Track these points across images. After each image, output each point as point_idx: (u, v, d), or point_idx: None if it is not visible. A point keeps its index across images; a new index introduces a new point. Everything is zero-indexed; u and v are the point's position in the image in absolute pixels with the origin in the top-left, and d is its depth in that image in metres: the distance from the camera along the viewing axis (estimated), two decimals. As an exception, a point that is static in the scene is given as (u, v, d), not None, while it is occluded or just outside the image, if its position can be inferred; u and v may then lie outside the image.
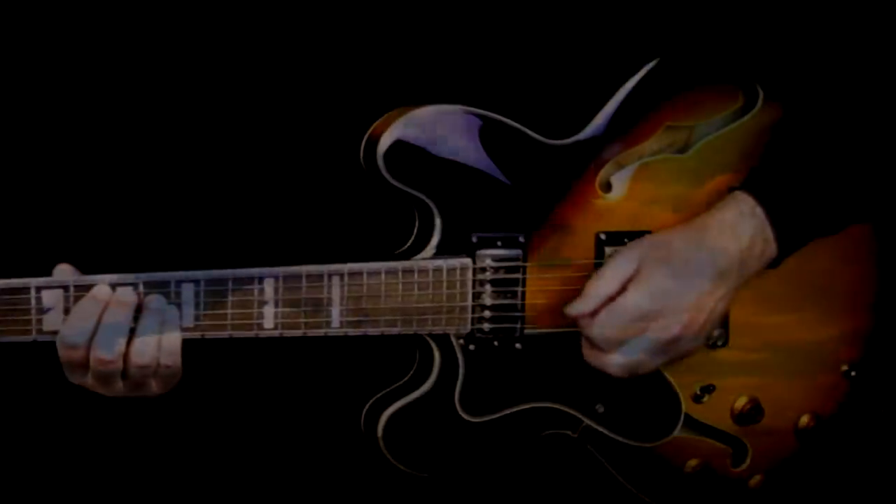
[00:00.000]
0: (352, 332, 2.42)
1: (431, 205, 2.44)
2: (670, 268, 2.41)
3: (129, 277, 2.32)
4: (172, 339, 2.32)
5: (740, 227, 2.43)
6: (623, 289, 2.42)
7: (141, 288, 2.32)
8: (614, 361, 2.44)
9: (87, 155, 2.61)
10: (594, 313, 2.43)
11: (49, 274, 2.31)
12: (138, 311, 2.31)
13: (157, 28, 2.56)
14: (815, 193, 2.46)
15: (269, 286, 2.37)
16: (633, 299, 2.41)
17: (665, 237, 2.46)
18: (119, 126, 2.59)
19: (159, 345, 2.30)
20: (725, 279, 2.43)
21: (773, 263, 2.48)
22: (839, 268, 2.63)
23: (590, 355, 2.48)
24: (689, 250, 2.43)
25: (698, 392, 2.58)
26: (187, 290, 2.34)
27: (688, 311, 2.42)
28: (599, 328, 2.42)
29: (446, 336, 2.48)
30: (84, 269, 2.33)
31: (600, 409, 2.55)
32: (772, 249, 2.46)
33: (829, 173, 2.47)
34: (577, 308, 2.44)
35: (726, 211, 2.45)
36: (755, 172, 2.50)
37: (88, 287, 2.31)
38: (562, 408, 2.53)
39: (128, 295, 2.30)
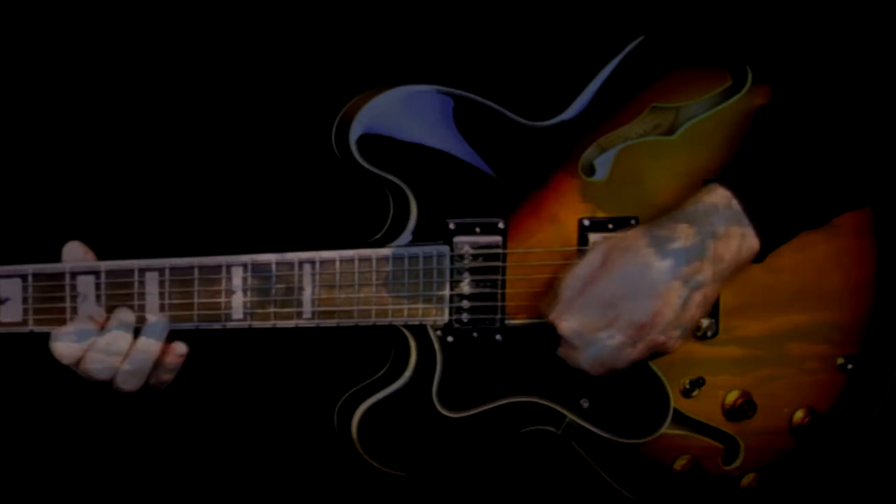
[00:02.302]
0: (324, 323, 2.37)
1: (406, 189, 2.39)
2: (636, 259, 2.36)
3: (91, 265, 2.28)
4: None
5: (714, 219, 2.37)
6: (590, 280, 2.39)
7: (103, 277, 2.28)
8: (585, 353, 2.38)
9: (47, 143, 2.56)
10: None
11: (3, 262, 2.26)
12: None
13: (131, 21, 2.52)
14: (796, 184, 2.39)
15: (236, 275, 2.32)
16: (598, 287, 2.36)
17: (633, 232, 2.40)
18: (86, 115, 2.55)
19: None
20: (697, 271, 2.36)
21: (759, 258, 2.42)
22: (835, 259, 2.58)
23: (563, 351, 2.43)
24: (657, 241, 2.36)
25: (687, 386, 2.53)
26: (151, 279, 2.29)
27: (654, 300, 2.35)
28: (571, 315, 2.37)
29: (423, 327, 2.43)
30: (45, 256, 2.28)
31: (585, 403, 2.50)
32: (751, 242, 2.39)
33: (812, 163, 2.40)
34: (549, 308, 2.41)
35: (699, 203, 2.39)
36: (733, 163, 2.44)
37: (48, 276, 2.25)
38: (544, 402, 2.48)
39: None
